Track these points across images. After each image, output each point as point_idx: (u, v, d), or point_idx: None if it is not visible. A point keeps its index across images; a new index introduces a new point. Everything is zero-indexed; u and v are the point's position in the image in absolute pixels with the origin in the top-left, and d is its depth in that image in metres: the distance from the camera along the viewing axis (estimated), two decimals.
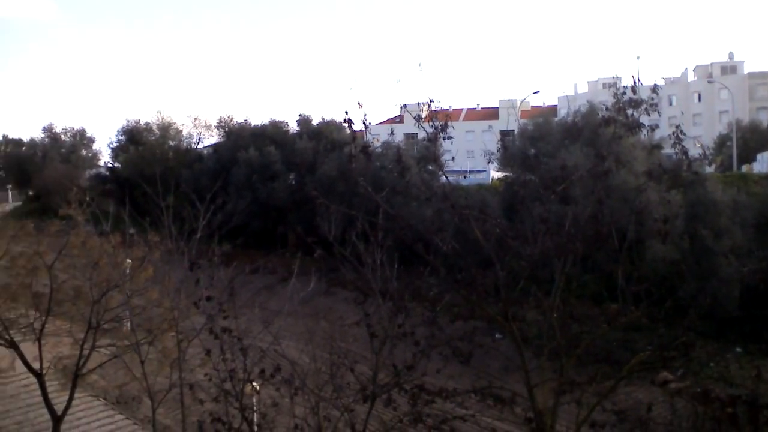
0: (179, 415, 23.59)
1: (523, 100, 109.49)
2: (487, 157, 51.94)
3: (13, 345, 20.89)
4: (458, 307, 16.42)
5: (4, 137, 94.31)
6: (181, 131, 76.74)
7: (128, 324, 23.29)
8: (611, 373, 15.65)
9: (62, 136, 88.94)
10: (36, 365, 21.34)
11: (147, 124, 77.92)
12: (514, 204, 31.78)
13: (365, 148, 13.95)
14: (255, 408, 15.05)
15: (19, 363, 21.85)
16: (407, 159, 44.14)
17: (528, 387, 12.20)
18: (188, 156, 71.35)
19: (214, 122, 75.45)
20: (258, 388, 14.63)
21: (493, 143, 53.86)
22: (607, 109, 12.93)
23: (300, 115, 68.36)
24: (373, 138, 57.53)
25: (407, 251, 13.50)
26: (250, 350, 14.26)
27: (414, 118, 12.82)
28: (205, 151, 73.32)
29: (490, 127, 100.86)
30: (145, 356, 20.61)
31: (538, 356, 12.86)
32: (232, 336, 13.75)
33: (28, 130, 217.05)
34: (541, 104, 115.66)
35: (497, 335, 27.92)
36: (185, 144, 76.24)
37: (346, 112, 11.73)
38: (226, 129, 72.77)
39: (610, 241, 12.31)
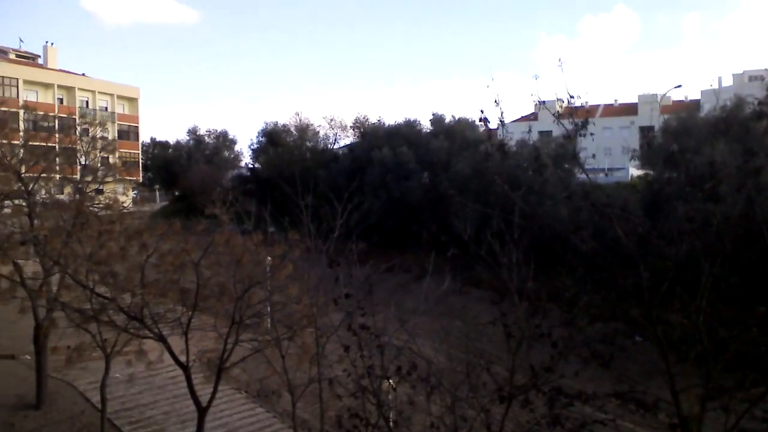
0: (317, 410, 24.10)
1: (664, 94, 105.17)
2: (629, 154, 50.43)
3: (161, 339, 21.78)
4: (597, 308, 16.04)
5: (152, 140, 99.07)
6: (318, 132, 78.40)
7: (269, 320, 24.01)
8: (761, 379, 14.86)
9: (206, 138, 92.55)
10: (182, 358, 22.21)
11: (285, 125, 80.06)
12: (657, 202, 30.64)
13: (501, 146, 13.80)
14: (391, 405, 15.17)
15: (167, 356, 22.77)
16: (543, 157, 43.41)
17: (673, 392, 11.74)
18: (325, 156, 72.81)
19: (349, 123, 76.70)
20: (394, 385, 14.75)
21: (632, 140, 52.26)
22: (760, 103, 12.27)
23: (433, 114, 68.56)
24: (508, 136, 56.93)
25: (544, 250, 13.26)
26: (387, 347, 14.39)
27: (553, 115, 12.58)
28: (341, 152, 74.57)
29: (632, 123, 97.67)
30: (285, 351, 21.16)
31: (682, 361, 12.37)
32: (370, 333, 13.94)
33: (174, 133, 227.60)
34: (683, 98, 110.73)
35: (637, 338, 27.00)
36: (322, 144, 77.84)
37: (482, 111, 11.64)
38: (361, 129, 73.84)
39: (761, 241, 11.68)
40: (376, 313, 14.27)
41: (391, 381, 14.14)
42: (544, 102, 16.65)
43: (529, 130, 42.56)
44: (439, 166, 58.73)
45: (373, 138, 68.06)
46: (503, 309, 13.13)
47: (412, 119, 70.38)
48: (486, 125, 12.15)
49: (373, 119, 74.85)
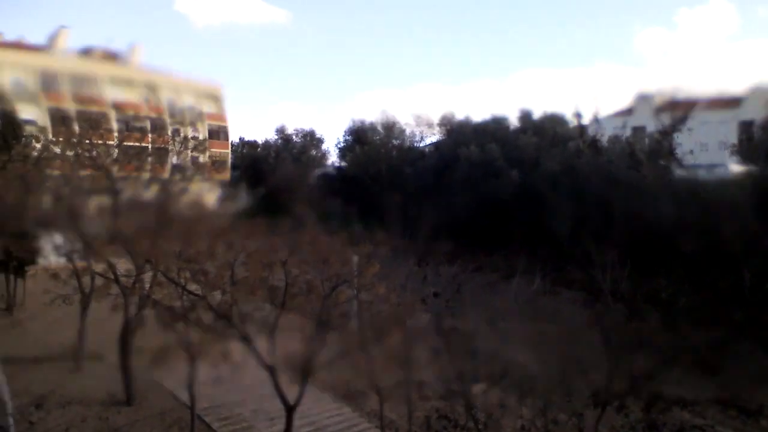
0: (405, 410, 23.83)
1: None
2: (728, 150, 48.42)
3: (246, 339, 21.80)
4: (698, 311, 15.27)
5: (240, 139, 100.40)
6: (404, 130, 78.01)
7: (356, 320, 23.83)
8: None
9: (294, 137, 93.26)
10: (270, 356, 22.17)
11: (372, 123, 79.88)
12: (764, 200, 29.17)
13: (594, 142, 13.19)
14: (481, 407, 14.76)
15: (254, 355, 22.77)
16: (639, 153, 42.03)
17: None
18: (411, 154, 72.40)
19: (435, 120, 76.08)
20: (484, 387, 14.36)
21: (731, 135, 50.16)
22: None
23: (521, 110, 67.43)
24: (600, 132, 55.42)
25: (640, 250, 12.61)
26: (477, 351, 14.04)
27: (654, 110, 11.89)
28: (427, 149, 74.03)
29: (733, 117, 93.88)
30: (372, 352, 20.92)
31: None
32: (459, 334, 13.59)
33: (262, 132, 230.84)
34: None
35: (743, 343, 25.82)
36: (408, 142, 77.43)
37: (575, 105, 11.09)
38: (448, 126, 73.16)
39: None
40: (464, 313, 13.91)
41: (480, 383, 13.78)
42: (643, 96, 15.87)
43: (624, 125, 41.11)
44: (528, 163, 57.65)
45: (460, 135, 67.34)
46: (598, 311, 12.59)
47: (499, 115, 69.36)
48: (579, 121, 11.59)
49: (459, 116, 74.09)
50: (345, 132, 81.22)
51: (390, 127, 77.50)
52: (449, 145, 67.30)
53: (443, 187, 54.31)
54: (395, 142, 76.63)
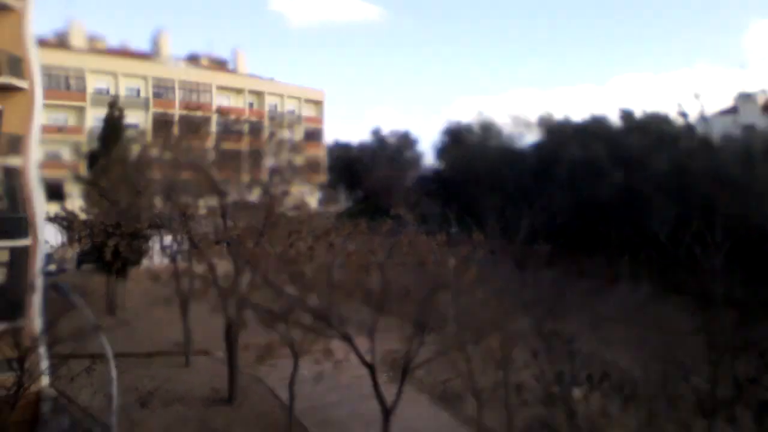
0: (503, 416, 23.45)
1: None
2: None
3: (347, 338, 21.89)
4: None
5: (335, 141, 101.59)
6: (501, 131, 77.16)
7: (454, 322, 23.57)
8: None
9: (389, 139, 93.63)
10: (368, 358, 22.21)
11: (468, 124, 79.36)
12: None
13: (704, 141, 12.62)
14: (582, 415, 14.32)
15: (353, 355, 22.85)
16: (755, 152, 40.15)
17: None
18: (508, 155, 71.42)
19: (534, 120, 74.95)
20: (586, 394, 13.93)
21: None
22: None
23: (622, 110, 65.60)
24: (708, 131, 53.32)
25: (752, 254, 11.98)
26: (578, 355, 13.64)
27: (762, 108, 11.28)
28: (526, 151, 72.98)
29: None
30: (470, 355, 20.66)
31: None
32: (560, 339, 13.22)
33: (357, 134, 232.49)
34: None
35: None
36: (506, 143, 76.53)
37: (679, 104, 10.61)
38: (547, 127, 71.95)
39: None
40: (565, 318, 13.53)
41: (582, 390, 13.40)
42: (744, 95, 15.10)
43: (734, 124, 39.34)
44: (633, 164, 55.83)
45: (560, 135, 66.03)
46: (707, 318, 12.05)
47: (600, 115, 67.63)
48: (685, 120, 11.09)
49: (558, 116, 72.69)
50: (441, 133, 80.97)
51: (487, 128, 76.79)
52: (549, 145, 66.08)
53: (542, 189, 53.39)
54: (492, 143, 75.86)
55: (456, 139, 77.56)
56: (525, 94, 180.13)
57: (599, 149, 59.15)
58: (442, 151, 79.37)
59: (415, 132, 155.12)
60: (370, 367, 22.29)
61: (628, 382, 12.79)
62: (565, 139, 63.43)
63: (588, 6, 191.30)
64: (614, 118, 66.76)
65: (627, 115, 65.00)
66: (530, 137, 74.73)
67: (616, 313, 18.09)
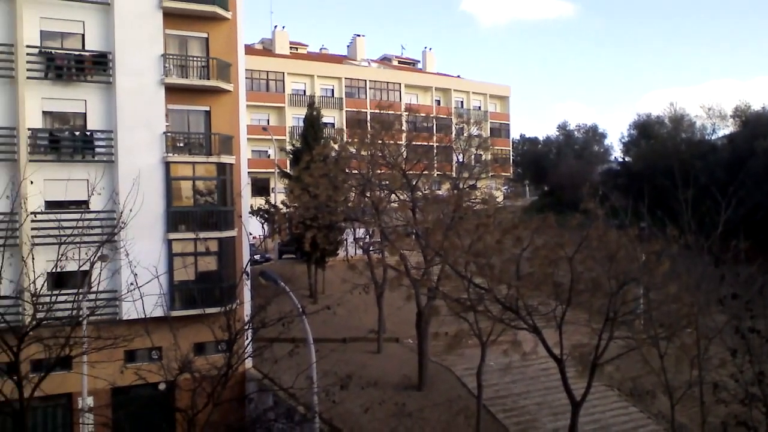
0: (696, 414, 22.95)
1: None
2: None
3: (536, 330, 22.19)
4: None
5: (521, 137, 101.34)
6: (694, 123, 74.08)
7: (644, 317, 23.34)
8: None
9: (575, 133, 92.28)
10: (555, 351, 22.43)
11: (658, 117, 76.84)
12: None
13: None
14: None
15: (540, 348, 23.13)
16: None
17: None
18: (701, 148, 68.38)
19: (729, 111, 71.37)
20: None
21: None
22: None
23: None
24: None
25: None
26: None
27: None
28: (719, 142, 69.70)
29: None
30: (663, 351, 20.43)
31: None
32: (760, 337, 12.99)
33: (543, 128, 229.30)
34: None
35: None
36: (698, 135, 73.42)
37: None
38: (743, 118, 68.33)
39: None
40: (766, 316, 13.27)
41: None
42: None
43: None
44: None
45: (757, 126, 62.40)
46: None
47: None
48: None
49: (756, 106, 68.72)
50: (629, 126, 78.92)
51: (678, 120, 74.01)
52: (745, 137, 62.66)
53: (738, 182, 50.93)
54: (684, 135, 73.03)
55: (645, 132, 75.30)
56: (721, 86, 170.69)
57: None
58: (630, 145, 77.39)
59: (602, 126, 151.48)
60: (559, 360, 22.49)
61: None
62: (762, 130, 59.96)
63: None
64: None
65: None
66: (725, 129, 71.41)
67: None
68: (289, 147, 54.53)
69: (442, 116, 69.01)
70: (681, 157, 59.77)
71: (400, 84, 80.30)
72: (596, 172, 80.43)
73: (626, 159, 78.70)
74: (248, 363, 30.18)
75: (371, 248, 37.29)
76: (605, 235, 21.96)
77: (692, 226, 19.41)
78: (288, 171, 47.61)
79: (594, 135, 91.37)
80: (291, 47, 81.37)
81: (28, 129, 27.84)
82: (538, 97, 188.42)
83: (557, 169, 79.95)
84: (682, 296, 20.54)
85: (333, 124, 69.70)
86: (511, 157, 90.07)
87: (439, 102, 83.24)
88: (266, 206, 47.30)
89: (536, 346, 24.03)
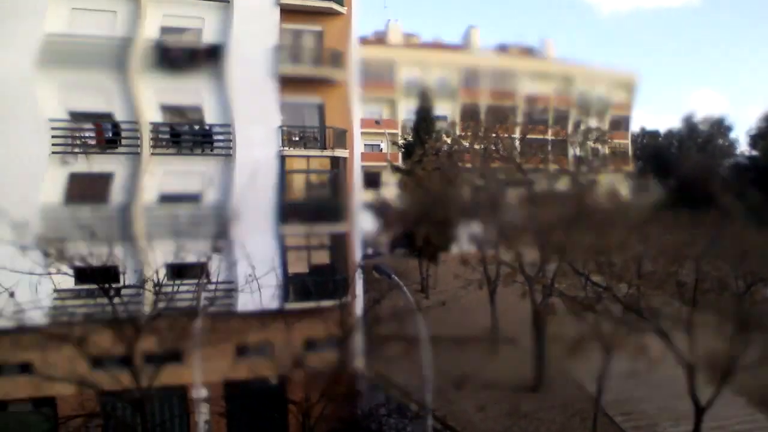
0: None
1: None
2: None
3: (662, 333, 21.09)
4: None
5: (641, 129, 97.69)
6: None
7: None
8: None
9: (700, 125, 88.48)
10: (683, 356, 21.20)
11: None
12: None
13: None
14: None
15: (667, 352, 21.91)
16: None
17: None
18: None
19: None
20: None
21: None
22: None
23: None
24: None
25: None
26: None
27: None
28: None
29: None
30: None
31: None
32: None
33: (666, 121, 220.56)
34: None
35: None
36: None
37: None
38: None
39: None
40: None
41: None
42: None
43: None
44: None
45: None
46: None
47: None
48: None
49: None
50: (758, 119, 75.05)
51: None
52: None
53: None
54: None
55: None
56: None
57: None
58: (758, 138, 73.70)
59: (732, 118, 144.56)
60: (689, 368, 21.23)
61: None
62: None
63: None
64: None
65: None
66: None
67: None
68: (401, 141, 54.26)
69: (561, 107, 66.91)
70: None
71: (518, 72, 77.89)
72: (723, 167, 76.97)
73: (754, 153, 75.10)
74: (360, 358, 30.13)
75: (485, 244, 36.60)
76: (742, 234, 20.77)
77: None
78: (400, 165, 47.33)
79: (720, 128, 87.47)
80: (404, 38, 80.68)
81: (150, 123, 28.53)
82: (665, 87, 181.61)
83: (681, 164, 76.88)
84: None
85: (446, 117, 68.73)
86: (630, 151, 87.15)
87: (560, 91, 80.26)
88: (378, 200, 47.16)
89: (662, 351, 22.80)
